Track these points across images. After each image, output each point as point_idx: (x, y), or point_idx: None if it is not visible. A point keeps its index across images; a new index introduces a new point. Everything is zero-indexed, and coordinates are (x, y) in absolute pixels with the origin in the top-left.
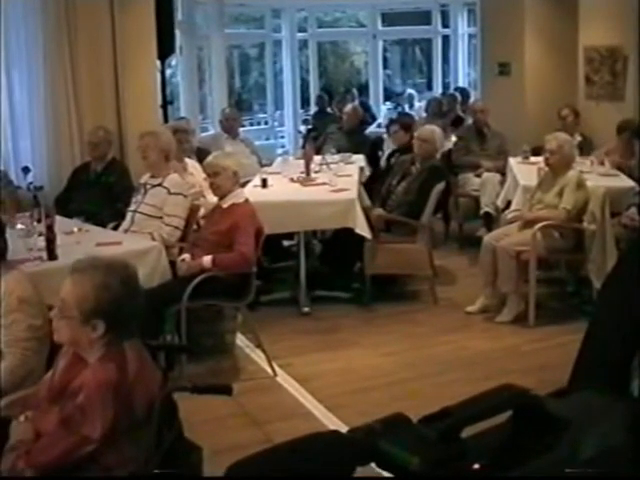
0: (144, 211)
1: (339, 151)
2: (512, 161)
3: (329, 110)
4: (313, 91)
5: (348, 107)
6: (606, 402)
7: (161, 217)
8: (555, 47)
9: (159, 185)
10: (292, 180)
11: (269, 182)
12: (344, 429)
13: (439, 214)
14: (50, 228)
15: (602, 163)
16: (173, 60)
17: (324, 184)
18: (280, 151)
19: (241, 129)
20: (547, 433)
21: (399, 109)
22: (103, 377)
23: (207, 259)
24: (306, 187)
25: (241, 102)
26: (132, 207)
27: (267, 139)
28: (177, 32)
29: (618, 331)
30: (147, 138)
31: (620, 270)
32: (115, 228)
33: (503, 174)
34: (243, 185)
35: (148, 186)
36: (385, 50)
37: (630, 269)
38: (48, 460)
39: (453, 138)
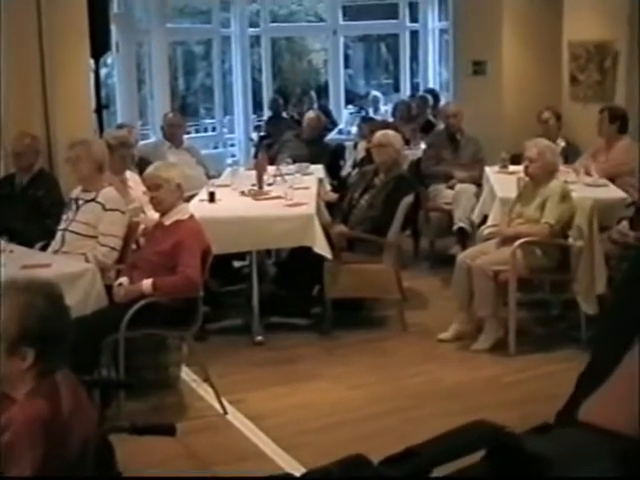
0: (76, 230)
1: (295, 161)
2: (488, 171)
3: (284, 115)
4: (266, 94)
5: (310, 114)
6: (594, 439)
7: (95, 236)
8: (536, 43)
9: (93, 200)
10: (243, 193)
11: (217, 196)
12: (302, 472)
13: (408, 230)
14: None
15: (588, 173)
16: (108, 58)
17: (279, 198)
18: (229, 161)
19: (185, 136)
20: (526, 474)
21: (362, 113)
22: (33, 413)
23: (147, 283)
24: (259, 201)
25: (185, 106)
26: (62, 225)
27: (215, 147)
28: (113, 27)
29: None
30: (77, 148)
31: (631, 288)
32: (44, 248)
33: (479, 185)
34: (188, 199)
35: (80, 201)
36: (347, 47)
37: None
38: None
39: (423, 145)
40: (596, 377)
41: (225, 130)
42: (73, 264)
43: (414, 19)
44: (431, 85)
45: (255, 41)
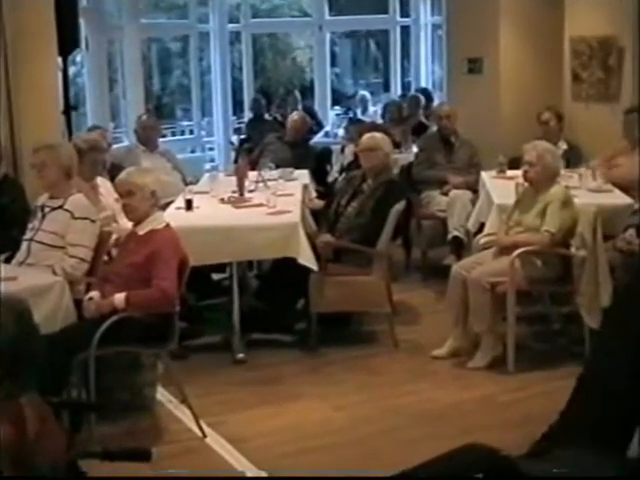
0: (42, 240)
1: (279, 165)
2: (485, 175)
3: (267, 116)
4: (247, 94)
5: (294, 116)
6: (595, 461)
7: (63, 247)
8: (536, 38)
9: (60, 208)
10: (222, 201)
11: (195, 203)
12: None
13: (398, 240)
14: None
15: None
16: (77, 56)
17: (261, 205)
18: (208, 166)
19: (161, 140)
20: None
21: (350, 114)
22: None
23: (120, 297)
24: (239, 209)
25: (161, 107)
26: (27, 235)
27: (192, 152)
28: (82, 22)
29: (623, 378)
30: (42, 153)
31: (627, 300)
32: (8, 260)
33: (474, 191)
34: (164, 207)
35: (46, 209)
36: (333, 44)
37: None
38: None
39: (414, 149)
40: (589, 391)
41: (203, 133)
42: (40, 277)
43: (405, 14)
44: (423, 84)
45: (235, 37)
